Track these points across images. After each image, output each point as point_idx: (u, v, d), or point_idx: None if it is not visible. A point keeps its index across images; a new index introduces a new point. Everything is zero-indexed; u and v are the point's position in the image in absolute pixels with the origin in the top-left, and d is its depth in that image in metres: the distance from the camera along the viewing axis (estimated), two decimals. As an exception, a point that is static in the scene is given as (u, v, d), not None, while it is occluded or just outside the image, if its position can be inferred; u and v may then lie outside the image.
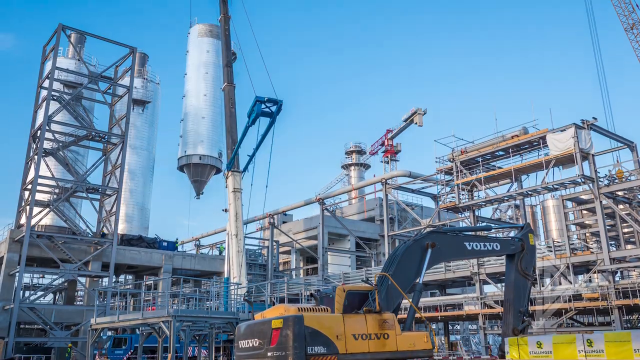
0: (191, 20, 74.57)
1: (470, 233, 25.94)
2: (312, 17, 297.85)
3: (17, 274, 48.85)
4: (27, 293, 58.78)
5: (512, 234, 42.35)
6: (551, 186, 41.14)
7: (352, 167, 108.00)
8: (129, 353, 46.39)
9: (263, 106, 48.70)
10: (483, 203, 45.56)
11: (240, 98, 58.64)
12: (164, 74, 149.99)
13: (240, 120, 57.12)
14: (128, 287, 71.44)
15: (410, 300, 21.21)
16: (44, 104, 54.41)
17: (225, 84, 58.62)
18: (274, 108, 49.02)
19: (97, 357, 41.13)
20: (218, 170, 69.74)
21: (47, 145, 54.29)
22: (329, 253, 65.45)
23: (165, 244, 62.53)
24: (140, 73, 71.61)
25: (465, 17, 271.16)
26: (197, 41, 72.61)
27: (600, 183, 39.43)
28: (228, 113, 57.61)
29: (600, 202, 38.73)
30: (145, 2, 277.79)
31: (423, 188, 62.54)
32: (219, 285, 50.55)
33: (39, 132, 53.92)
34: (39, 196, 52.61)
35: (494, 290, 44.15)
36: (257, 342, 18.34)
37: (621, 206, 42.41)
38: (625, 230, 46.67)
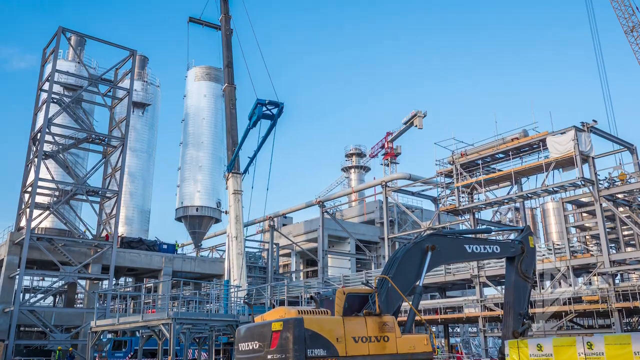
0: (189, 63, 72.99)
1: (470, 236, 25.93)
2: (312, 20, 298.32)
3: (17, 276, 48.86)
4: (27, 296, 58.82)
5: (512, 236, 42.40)
6: (551, 189, 41.17)
7: (352, 170, 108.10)
8: (129, 356, 46.35)
9: (264, 109, 48.64)
10: (483, 206, 45.58)
11: (240, 99, 58.43)
12: (164, 76, 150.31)
13: (240, 121, 57.24)
14: (128, 289, 71.49)
15: (410, 302, 21.22)
16: (44, 106, 54.46)
17: (226, 84, 58.58)
18: (275, 110, 48.95)
19: (97, 359, 41.11)
20: (217, 220, 68.40)
21: (47, 147, 54.31)
22: (329, 255, 65.41)
23: (165, 246, 62.53)
24: (140, 75, 71.67)
25: (467, 17, 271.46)
26: (195, 85, 71.42)
27: (600, 186, 39.45)
28: (229, 114, 57.57)
29: (600, 204, 38.74)
30: (145, 4, 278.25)
31: (423, 190, 62.59)
32: (219, 288, 50.56)
33: (39, 134, 53.96)
34: (39, 199, 52.63)
35: (494, 292, 44.16)
36: (257, 345, 18.34)
37: (621, 209, 42.44)
38: (625, 232, 46.68)
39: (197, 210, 65.66)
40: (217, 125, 68.56)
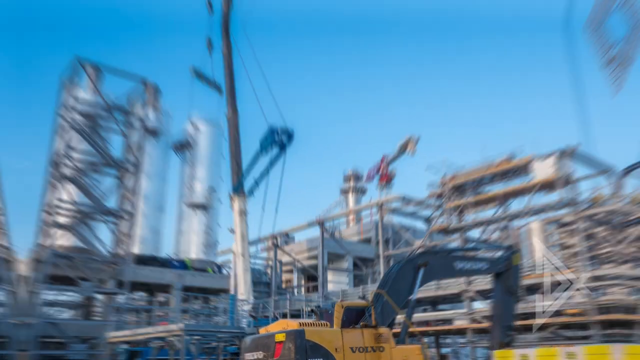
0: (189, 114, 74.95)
1: (459, 253, 26.05)
2: (311, 43, 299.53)
3: (39, 291, 48.81)
4: (48, 309, 58.67)
5: (499, 254, 42.43)
6: (535, 210, 41.32)
7: (350, 192, 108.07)
8: (142, 365, 46.20)
9: (276, 136, 48.77)
10: (472, 225, 45.68)
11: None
12: (176, 103, 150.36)
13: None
14: (142, 303, 71.38)
15: (404, 315, 21.32)
16: (63, 132, 54.70)
17: (230, 110, 58.48)
18: (285, 137, 49.04)
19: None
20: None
21: (66, 171, 54.52)
22: (328, 271, 65.40)
23: (176, 263, 62.57)
24: (153, 104, 71.85)
25: (463, 40, 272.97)
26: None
27: (580, 207, 39.60)
28: (232, 139, 57.43)
29: (581, 224, 38.88)
30: (157, 32, 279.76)
31: (416, 211, 62.63)
32: (226, 302, 50.53)
33: (58, 158, 54.16)
34: (58, 219, 52.73)
35: (482, 306, 44.12)
36: (262, 355, 18.45)
37: (600, 228, 42.52)
38: (604, 250, 46.69)
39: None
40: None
